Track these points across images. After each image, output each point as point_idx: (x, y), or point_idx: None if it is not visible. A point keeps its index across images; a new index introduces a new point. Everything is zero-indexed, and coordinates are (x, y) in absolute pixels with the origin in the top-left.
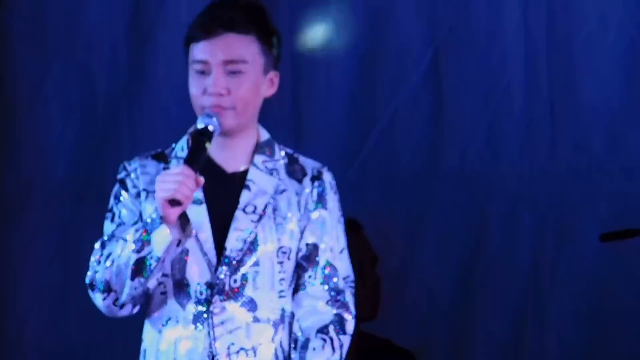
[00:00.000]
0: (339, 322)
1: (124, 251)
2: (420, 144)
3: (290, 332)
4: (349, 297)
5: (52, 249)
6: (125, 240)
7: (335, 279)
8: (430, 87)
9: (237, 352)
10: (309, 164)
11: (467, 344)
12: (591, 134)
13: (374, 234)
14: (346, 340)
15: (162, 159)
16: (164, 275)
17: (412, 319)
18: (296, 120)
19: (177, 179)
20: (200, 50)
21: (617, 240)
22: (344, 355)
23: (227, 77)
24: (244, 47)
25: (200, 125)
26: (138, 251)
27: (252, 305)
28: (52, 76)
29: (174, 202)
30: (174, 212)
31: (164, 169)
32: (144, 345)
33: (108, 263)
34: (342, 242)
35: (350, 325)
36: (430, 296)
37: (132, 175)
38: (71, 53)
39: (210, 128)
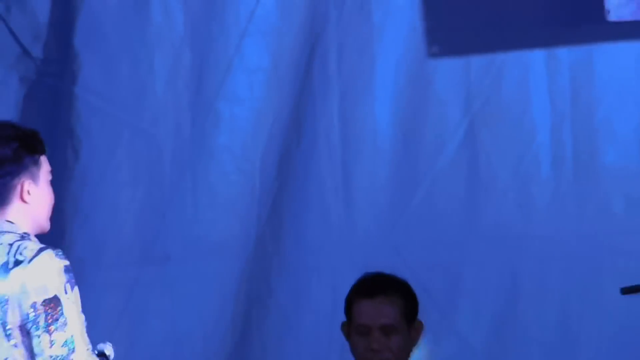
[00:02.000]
0: None
1: None
2: (458, 207)
3: None
4: None
5: (121, 306)
6: None
7: None
8: (467, 155)
9: None
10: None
11: None
12: (612, 198)
13: (416, 288)
14: None
15: None
16: None
17: (442, 341)
18: (345, 183)
19: None
20: None
21: (637, 293)
22: None
23: None
24: None
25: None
26: None
27: None
28: (122, 145)
29: None
30: None
31: None
32: None
33: None
34: None
35: None
36: (465, 343)
37: None
38: (139, 123)
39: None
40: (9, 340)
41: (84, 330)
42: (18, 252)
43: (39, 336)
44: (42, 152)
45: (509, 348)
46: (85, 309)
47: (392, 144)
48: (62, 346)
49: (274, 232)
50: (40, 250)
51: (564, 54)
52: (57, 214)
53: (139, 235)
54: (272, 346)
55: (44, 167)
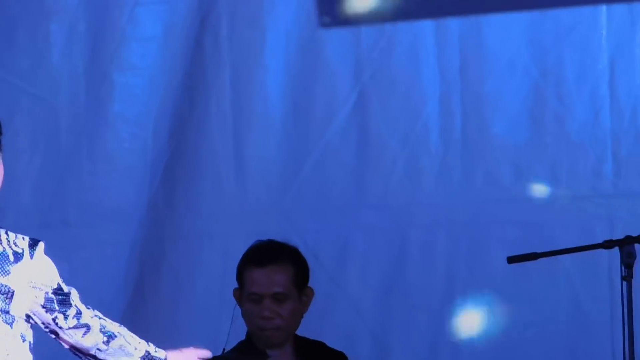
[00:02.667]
0: None
1: None
2: (347, 176)
3: None
4: None
5: None
6: None
7: None
8: (356, 125)
9: None
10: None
11: (388, 352)
12: (499, 168)
13: (306, 254)
14: None
15: None
16: None
17: (340, 333)
18: (237, 152)
19: None
20: None
21: (522, 262)
22: None
23: None
24: None
25: None
26: None
27: None
28: (20, 112)
29: None
30: None
31: None
32: None
33: None
34: None
35: None
36: (357, 312)
37: None
38: (37, 91)
39: None
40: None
41: None
42: (13, 243)
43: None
44: None
45: (397, 313)
46: None
47: (283, 114)
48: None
49: (167, 199)
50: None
51: (454, 24)
52: None
53: (36, 201)
54: (166, 310)
55: None
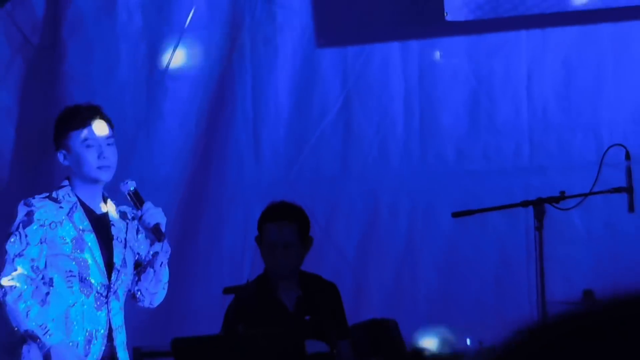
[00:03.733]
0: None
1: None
2: (336, 157)
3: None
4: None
5: None
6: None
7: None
8: (343, 119)
9: (117, 328)
10: (128, 209)
11: (365, 290)
12: (446, 150)
13: (307, 210)
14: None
15: (54, 200)
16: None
17: (330, 271)
18: (255, 140)
19: None
20: None
21: (463, 217)
22: None
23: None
24: None
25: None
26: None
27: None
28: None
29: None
30: None
31: (61, 208)
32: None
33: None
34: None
35: None
36: (340, 256)
37: (40, 210)
38: (111, 93)
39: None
40: None
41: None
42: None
43: None
44: None
45: (373, 257)
46: None
47: (289, 111)
48: None
49: (203, 174)
50: None
51: (415, 45)
52: None
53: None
54: (202, 257)
55: None
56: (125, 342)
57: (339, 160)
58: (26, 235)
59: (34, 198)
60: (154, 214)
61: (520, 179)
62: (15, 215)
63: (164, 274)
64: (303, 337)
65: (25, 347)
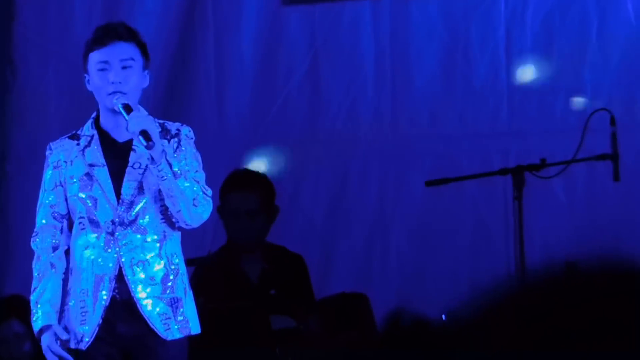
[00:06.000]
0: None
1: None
2: (304, 119)
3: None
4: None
5: None
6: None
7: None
8: (311, 80)
9: (137, 264)
10: (171, 125)
11: (334, 261)
12: (421, 110)
13: (273, 177)
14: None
15: (74, 137)
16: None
17: (295, 241)
18: (218, 100)
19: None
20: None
21: (437, 185)
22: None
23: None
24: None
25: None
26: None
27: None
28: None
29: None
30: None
31: (77, 145)
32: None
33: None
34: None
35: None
36: (308, 225)
37: (54, 153)
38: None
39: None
40: None
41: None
42: None
43: None
44: None
45: (342, 227)
46: None
47: (254, 71)
48: None
49: None
50: None
51: (386, 2)
52: None
53: None
54: None
55: None
56: (160, 275)
57: (307, 124)
58: (44, 182)
59: (57, 140)
60: (139, 121)
61: (498, 145)
62: None
63: (171, 187)
64: (268, 312)
65: (73, 258)
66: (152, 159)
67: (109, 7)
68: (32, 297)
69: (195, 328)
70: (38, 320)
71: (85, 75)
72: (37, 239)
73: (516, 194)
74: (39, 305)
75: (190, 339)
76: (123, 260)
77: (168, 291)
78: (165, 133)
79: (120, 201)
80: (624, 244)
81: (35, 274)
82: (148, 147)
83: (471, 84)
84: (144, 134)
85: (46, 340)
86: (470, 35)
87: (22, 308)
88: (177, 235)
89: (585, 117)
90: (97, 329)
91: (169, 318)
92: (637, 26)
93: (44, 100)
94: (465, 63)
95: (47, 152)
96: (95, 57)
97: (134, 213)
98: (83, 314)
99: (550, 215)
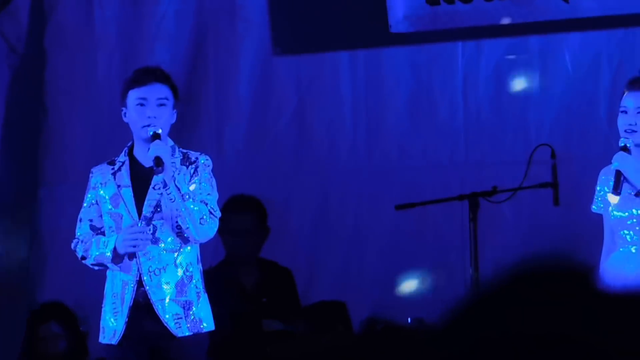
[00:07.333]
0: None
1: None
2: (291, 152)
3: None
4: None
5: None
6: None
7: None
8: (297, 120)
9: (154, 271)
10: (192, 154)
11: (317, 269)
12: (390, 147)
13: (265, 201)
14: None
15: (111, 163)
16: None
17: (284, 256)
18: (218, 136)
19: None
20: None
21: (405, 209)
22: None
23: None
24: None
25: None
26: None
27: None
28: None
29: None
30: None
31: (112, 169)
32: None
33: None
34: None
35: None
36: (295, 244)
37: (94, 175)
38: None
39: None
40: None
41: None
42: None
43: None
44: None
45: (323, 245)
46: None
47: (249, 113)
48: None
49: None
50: None
51: (361, 54)
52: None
53: None
54: None
55: None
56: (175, 280)
57: (294, 156)
58: (85, 200)
59: (97, 165)
60: (158, 148)
61: (456, 174)
62: None
63: (179, 208)
64: (261, 317)
65: (109, 274)
66: (165, 183)
67: (125, 59)
68: (89, 251)
69: (209, 326)
70: (108, 243)
71: (123, 109)
72: (80, 243)
73: (471, 216)
74: (99, 241)
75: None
76: (143, 267)
77: (182, 294)
78: (185, 160)
79: (142, 217)
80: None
81: (80, 251)
82: (156, 172)
83: (433, 122)
84: (157, 159)
85: (120, 237)
86: (433, 80)
87: (60, 312)
88: (193, 247)
89: (530, 151)
90: (124, 326)
91: (181, 318)
92: (572, 73)
93: (71, 136)
94: (428, 104)
95: (90, 175)
96: (134, 94)
97: (152, 228)
98: (115, 313)
99: (500, 235)
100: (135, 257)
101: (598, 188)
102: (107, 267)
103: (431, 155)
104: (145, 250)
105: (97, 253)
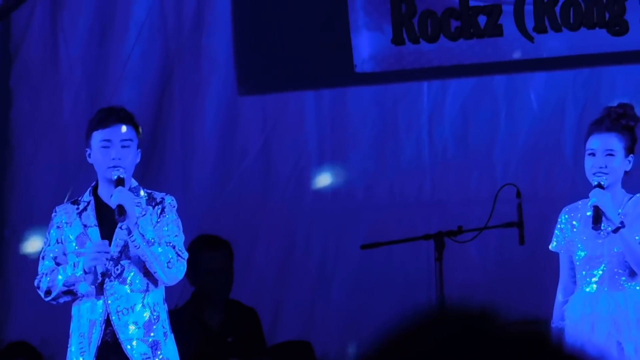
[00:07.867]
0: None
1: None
2: (256, 192)
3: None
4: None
5: None
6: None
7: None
8: (262, 158)
9: (122, 311)
10: (157, 195)
11: (282, 308)
12: (355, 187)
13: (230, 240)
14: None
15: (75, 202)
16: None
17: (250, 295)
18: (185, 175)
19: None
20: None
21: (371, 249)
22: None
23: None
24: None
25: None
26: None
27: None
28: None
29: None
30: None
31: (77, 209)
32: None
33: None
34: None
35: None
36: (261, 282)
37: (58, 214)
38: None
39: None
40: None
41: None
42: None
43: None
44: None
45: (289, 284)
46: None
47: (215, 152)
48: None
49: None
50: None
51: (327, 94)
52: None
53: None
54: None
55: None
56: (142, 320)
57: (259, 195)
58: (49, 238)
59: (61, 204)
60: (120, 196)
61: (422, 213)
62: None
63: (145, 254)
64: (226, 356)
65: (74, 308)
66: (129, 231)
67: (91, 99)
68: (55, 281)
69: None
70: (77, 264)
71: (87, 149)
72: (44, 277)
73: (437, 255)
74: (65, 267)
75: None
76: (111, 307)
77: (149, 334)
78: (151, 200)
79: (109, 257)
80: (527, 297)
81: (45, 284)
82: (119, 220)
83: (399, 161)
84: (119, 208)
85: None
86: (399, 119)
87: (26, 351)
88: (161, 287)
89: (496, 190)
90: None
91: (149, 358)
92: (538, 112)
93: (36, 176)
94: (394, 143)
95: (53, 214)
96: (98, 135)
97: (120, 268)
98: (82, 353)
99: (467, 274)
100: (102, 296)
101: (558, 226)
102: (75, 296)
103: (397, 194)
104: (113, 290)
105: (69, 274)
